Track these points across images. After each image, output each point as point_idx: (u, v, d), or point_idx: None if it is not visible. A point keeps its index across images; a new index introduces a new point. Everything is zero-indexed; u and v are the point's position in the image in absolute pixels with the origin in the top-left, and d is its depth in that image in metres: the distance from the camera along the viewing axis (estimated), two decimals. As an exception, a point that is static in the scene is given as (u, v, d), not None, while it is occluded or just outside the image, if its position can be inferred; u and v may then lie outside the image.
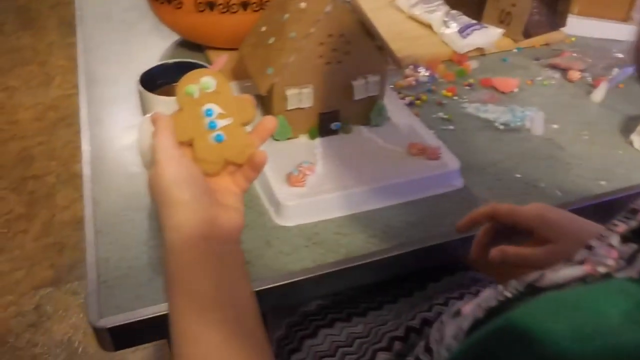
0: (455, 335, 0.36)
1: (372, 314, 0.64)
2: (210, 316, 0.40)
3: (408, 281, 0.69)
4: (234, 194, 0.48)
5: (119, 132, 0.74)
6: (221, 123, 0.47)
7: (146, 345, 1.43)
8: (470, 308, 0.38)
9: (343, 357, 0.59)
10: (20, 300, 1.52)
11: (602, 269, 0.29)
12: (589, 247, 0.35)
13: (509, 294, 0.32)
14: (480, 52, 0.96)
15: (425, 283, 0.68)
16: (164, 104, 0.62)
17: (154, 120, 0.47)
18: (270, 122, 0.48)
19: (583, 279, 0.29)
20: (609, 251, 0.31)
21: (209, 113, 0.47)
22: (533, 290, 0.31)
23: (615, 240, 0.32)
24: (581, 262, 0.32)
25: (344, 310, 0.65)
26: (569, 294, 0.28)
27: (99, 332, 0.51)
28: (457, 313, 0.40)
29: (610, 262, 0.29)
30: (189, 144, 0.47)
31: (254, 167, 0.48)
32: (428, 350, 0.43)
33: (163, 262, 0.44)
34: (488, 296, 0.38)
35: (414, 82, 0.86)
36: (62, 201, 1.82)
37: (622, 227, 0.32)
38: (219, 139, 0.47)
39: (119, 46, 0.94)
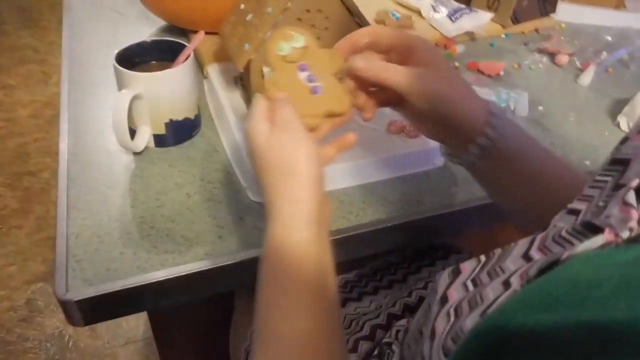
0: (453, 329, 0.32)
1: (367, 299, 0.64)
2: (310, 300, 0.39)
3: (401, 268, 0.68)
4: None
5: (98, 112, 0.73)
6: (317, 75, 0.47)
7: (137, 339, 1.42)
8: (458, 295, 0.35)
9: None
10: (12, 295, 1.51)
11: (625, 234, 0.25)
12: (588, 199, 0.31)
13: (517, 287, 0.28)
14: (469, 37, 0.95)
15: (420, 268, 0.68)
16: (138, 80, 0.61)
17: (270, 98, 0.46)
18: (351, 138, 0.49)
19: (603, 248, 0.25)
20: (627, 212, 0.26)
21: (303, 68, 0.47)
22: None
23: (632, 197, 0.27)
24: (594, 229, 0.27)
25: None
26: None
27: (66, 306, 0.50)
28: (445, 299, 0.36)
29: (633, 224, 0.25)
30: None
31: (342, 145, 0.48)
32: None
33: (267, 232, 0.41)
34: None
35: (399, 66, 0.85)
36: (56, 197, 1.82)
37: (636, 182, 0.28)
38: (317, 92, 0.47)
39: (105, 33, 0.93)
